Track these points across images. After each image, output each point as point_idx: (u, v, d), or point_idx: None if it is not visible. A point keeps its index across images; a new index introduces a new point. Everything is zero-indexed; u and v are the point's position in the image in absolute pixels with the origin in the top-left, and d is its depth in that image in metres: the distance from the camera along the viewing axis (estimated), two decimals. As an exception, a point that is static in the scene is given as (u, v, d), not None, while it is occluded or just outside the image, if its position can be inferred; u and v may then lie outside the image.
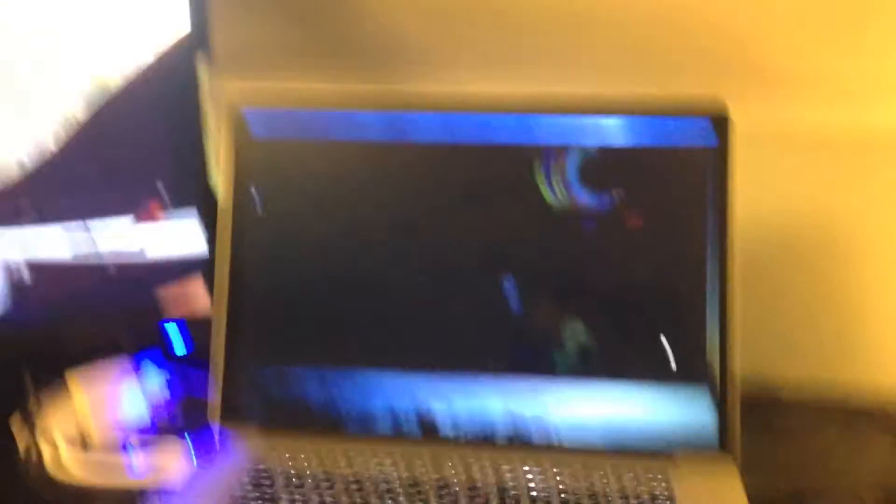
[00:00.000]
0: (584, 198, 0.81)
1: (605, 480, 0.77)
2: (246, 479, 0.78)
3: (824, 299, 1.02)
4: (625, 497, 0.76)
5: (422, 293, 0.83)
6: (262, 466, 0.80)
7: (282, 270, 0.84)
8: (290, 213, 0.84)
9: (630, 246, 0.81)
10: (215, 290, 0.83)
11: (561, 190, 0.81)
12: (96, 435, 0.89)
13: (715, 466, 0.78)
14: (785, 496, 0.79)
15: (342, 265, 0.84)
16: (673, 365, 0.80)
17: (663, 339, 0.80)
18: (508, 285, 0.82)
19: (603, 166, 0.81)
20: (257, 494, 0.77)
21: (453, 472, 0.79)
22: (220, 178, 0.84)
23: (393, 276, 0.83)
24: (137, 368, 0.94)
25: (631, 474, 0.78)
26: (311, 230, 0.84)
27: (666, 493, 0.76)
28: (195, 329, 1.00)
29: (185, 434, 0.87)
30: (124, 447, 0.87)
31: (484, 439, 0.82)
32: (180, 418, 0.92)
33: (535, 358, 0.82)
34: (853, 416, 0.95)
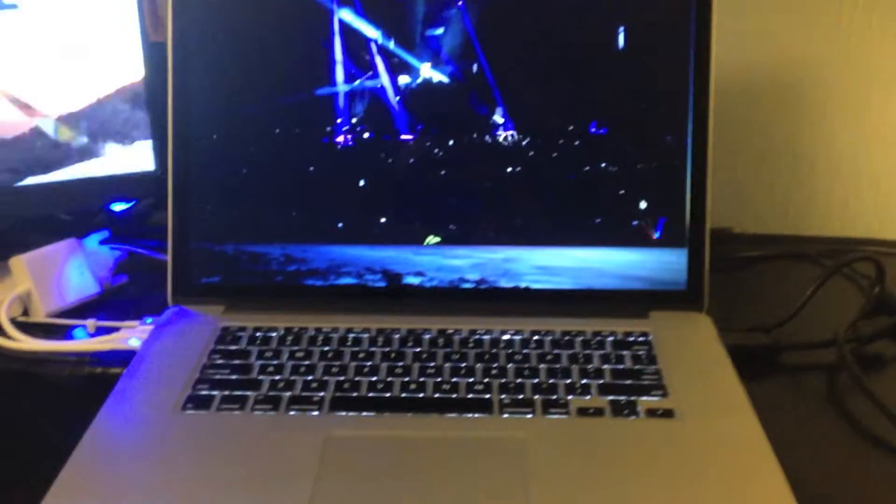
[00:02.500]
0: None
1: (580, 328, 0.77)
2: (210, 338, 0.75)
3: (779, 152, 1.03)
4: (600, 338, 0.75)
5: (381, 160, 0.81)
6: (225, 325, 0.77)
7: (233, 145, 0.81)
8: (234, 74, 0.81)
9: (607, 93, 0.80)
10: (169, 167, 0.79)
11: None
12: (41, 307, 0.85)
13: (688, 319, 0.78)
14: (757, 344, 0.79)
15: (295, 134, 0.81)
16: (645, 222, 0.80)
17: (640, 199, 0.80)
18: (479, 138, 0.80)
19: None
20: (223, 349, 0.74)
21: (422, 322, 0.78)
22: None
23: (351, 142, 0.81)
24: (85, 248, 0.90)
25: (607, 323, 0.77)
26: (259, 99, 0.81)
27: (642, 339, 0.75)
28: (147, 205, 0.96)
29: (140, 311, 0.84)
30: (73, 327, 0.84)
31: (453, 290, 0.81)
32: (133, 295, 0.90)
33: (505, 224, 0.81)
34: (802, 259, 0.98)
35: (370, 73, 0.80)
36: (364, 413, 0.67)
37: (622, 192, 0.80)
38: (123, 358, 0.75)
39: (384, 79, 0.80)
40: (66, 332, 0.83)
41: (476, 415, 0.66)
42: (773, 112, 1.03)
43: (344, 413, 0.67)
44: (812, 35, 1.01)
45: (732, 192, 0.99)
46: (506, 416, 0.66)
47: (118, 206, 0.95)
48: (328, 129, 0.80)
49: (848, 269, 0.90)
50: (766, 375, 0.77)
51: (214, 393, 0.68)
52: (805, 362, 0.79)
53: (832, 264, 0.85)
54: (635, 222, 0.80)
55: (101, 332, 0.82)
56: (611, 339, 0.76)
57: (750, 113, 1.02)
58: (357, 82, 0.80)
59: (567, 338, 0.76)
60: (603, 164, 0.80)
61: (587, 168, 0.80)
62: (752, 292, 0.93)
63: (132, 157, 0.90)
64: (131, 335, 0.80)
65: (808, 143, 1.04)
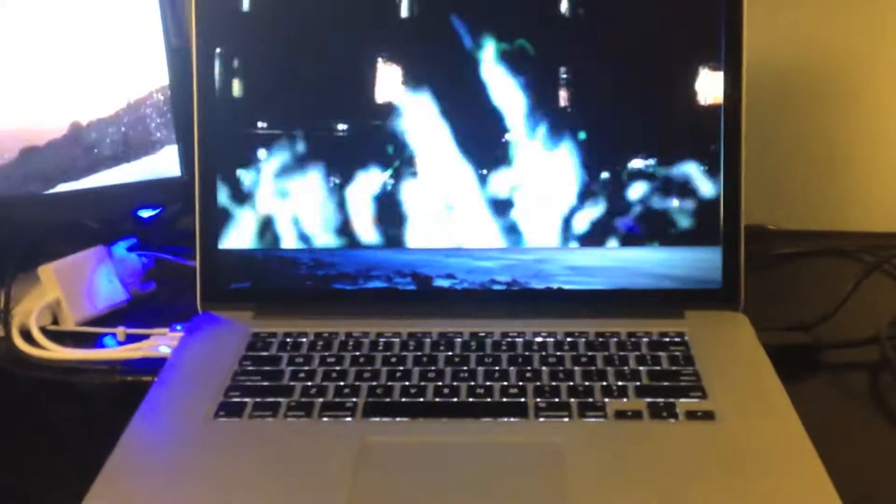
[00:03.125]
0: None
1: (614, 329, 0.75)
2: (241, 345, 0.75)
3: (815, 146, 1.02)
4: (635, 339, 0.74)
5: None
6: (255, 331, 0.77)
7: (259, 148, 0.80)
8: (259, 77, 0.80)
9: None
10: (196, 171, 0.78)
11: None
12: (71, 316, 0.85)
13: (725, 318, 0.77)
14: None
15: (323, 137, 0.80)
16: (681, 223, 0.78)
17: (672, 196, 0.78)
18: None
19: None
20: (253, 355, 0.74)
21: (453, 325, 0.76)
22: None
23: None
24: (113, 255, 0.90)
25: (642, 324, 0.76)
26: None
27: (678, 340, 0.74)
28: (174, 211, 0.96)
29: (170, 318, 0.83)
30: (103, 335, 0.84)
31: (484, 292, 0.79)
32: (162, 302, 0.89)
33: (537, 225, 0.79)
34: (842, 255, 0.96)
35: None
36: (398, 418, 0.66)
37: (655, 190, 0.78)
38: (154, 366, 0.74)
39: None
40: (95, 341, 0.83)
41: (511, 419, 0.65)
42: (808, 106, 1.01)
43: (378, 419, 0.66)
44: (847, 27, 0.99)
45: (767, 189, 0.96)
46: (541, 419, 0.65)
47: (146, 213, 0.95)
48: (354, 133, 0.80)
49: (888, 264, 0.89)
50: (806, 375, 0.75)
51: (246, 400, 0.68)
52: (846, 361, 0.77)
53: (872, 260, 0.83)
54: (668, 221, 0.79)
55: (130, 339, 0.82)
56: (646, 339, 0.74)
57: (784, 107, 1.00)
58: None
59: (601, 339, 0.74)
60: (635, 162, 0.79)
61: (619, 167, 0.79)
62: (790, 290, 0.91)
63: (159, 163, 0.90)
64: (161, 343, 0.80)
65: (843, 137, 1.02)
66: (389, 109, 0.79)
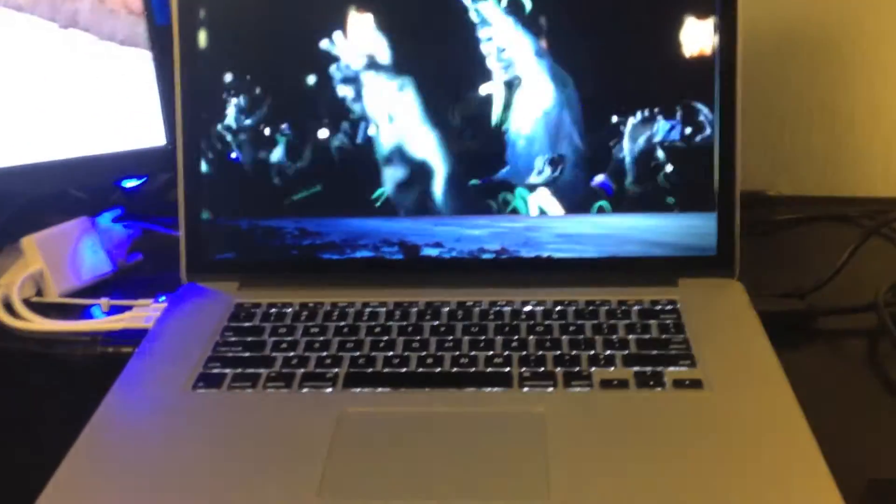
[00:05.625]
0: None
1: (605, 297, 0.74)
2: (223, 316, 0.74)
3: (815, 110, 0.99)
4: (626, 308, 0.72)
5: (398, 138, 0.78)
6: (239, 301, 0.75)
7: (244, 116, 0.79)
8: (244, 42, 0.78)
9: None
10: (178, 140, 0.77)
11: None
12: (54, 287, 0.84)
13: (719, 286, 0.75)
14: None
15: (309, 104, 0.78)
16: (674, 188, 0.76)
17: (666, 161, 0.76)
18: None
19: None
20: (236, 325, 0.72)
21: (441, 294, 0.75)
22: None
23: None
24: (97, 225, 0.89)
25: (633, 292, 0.74)
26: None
27: (670, 308, 0.72)
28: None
29: (154, 289, 0.82)
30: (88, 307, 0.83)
31: (472, 261, 0.78)
32: (147, 273, 0.88)
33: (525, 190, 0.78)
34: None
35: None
36: (379, 389, 0.64)
37: (647, 154, 0.76)
38: (136, 337, 0.73)
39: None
40: (79, 312, 0.82)
41: (495, 389, 0.64)
42: (808, 68, 0.98)
43: (359, 389, 0.64)
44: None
45: (766, 154, 0.95)
46: (525, 389, 0.64)
47: (129, 183, 0.93)
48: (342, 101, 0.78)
49: (887, 229, 0.86)
50: (801, 342, 0.73)
51: (226, 371, 0.67)
52: (842, 328, 0.75)
53: (870, 225, 0.81)
54: (662, 186, 0.77)
55: (114, 311, 0.81)
56: (637, 308, 0.72)
57: (783, 69, 0.97)
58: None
59: (591, 308, 0.73)
60: (626, 125, 0.76)
61: (609, 129, 0.77)
62: (789, 257, 0.89)
63: (143, 132, 0.88)
64: (144, 314, 0.79)
65: (845, 100, 1.00)
66: (374, 72, 0.77)
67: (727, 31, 0.74)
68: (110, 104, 0.86)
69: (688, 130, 0.76)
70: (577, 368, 0.65)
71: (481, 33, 0.76)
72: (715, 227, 0.76)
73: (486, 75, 0.76)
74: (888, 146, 0.99)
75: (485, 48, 0.76)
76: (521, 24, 0.76)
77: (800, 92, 0.99)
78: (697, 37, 0.75)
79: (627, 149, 0.76)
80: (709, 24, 0.74)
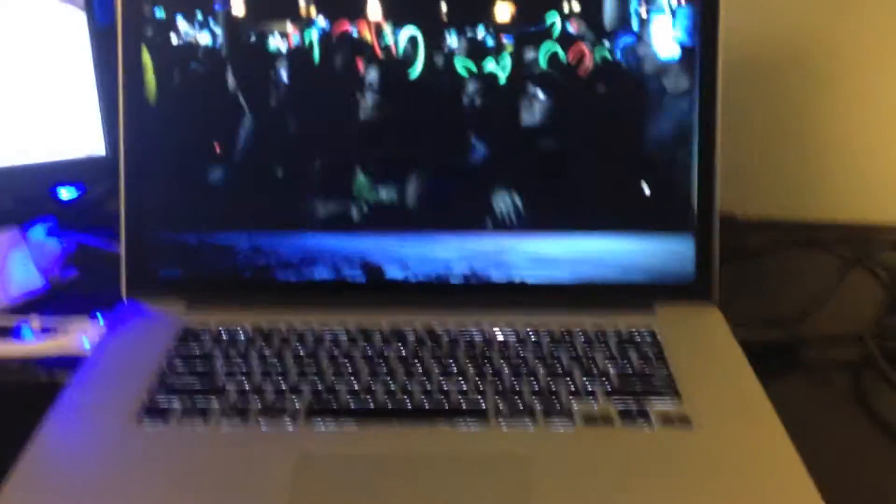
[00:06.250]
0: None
1: (580, 324, 0.70)
2: (170, 339, 0.68)
3: (787, 130, 0.97)
4: (603, 335, 0.68)
5: (360, 142, 0.73)
6: (186, 325, 0.69)
7: (192, 123, 0.73)
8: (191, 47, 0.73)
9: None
10: (120, 146, 0.71)
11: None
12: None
13: (698, 313, 0.72)
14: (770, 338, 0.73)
15: (263, 116, 0.73)
16: (651, 209, 0.73)
17: (642, 183, 0.72)
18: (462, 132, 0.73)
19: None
20: (184, 351, 0.66)
21: (406, 319, 0.70)
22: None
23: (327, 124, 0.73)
24: (28, 238, 0.82)
25: (609, 319, 0.70)
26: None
27: (649, 336, 0.69)
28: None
29: (92, 308, 0.75)
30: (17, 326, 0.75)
31: (439, 284, 0.73)
32: (84, 291, 0.81)
33: (497, 210, 0.73)
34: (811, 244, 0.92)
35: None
36: (344, 424, 0.59)
37: (624, 173, 0.73)
38: (71, 362, 0.66)
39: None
40: (7, 332, 0.75)
41: (470, 424, 0.59)
42: (780, 87, 0.96)
43: (321, 424, 0.59)
44: (823, 10, 0.93)
45: (736, 175, 0.91)
46: (503, 425, 0.59)
47: (65, 193, 0.86)
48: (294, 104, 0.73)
49: (869, 261, 0.84)
50: (784, 374, 0.70)
51: (175, 402, 0.61)
52: (827, 359, 0.72)
53: (851, 256, 0.79)
54: (638, 207, 0.73)
55: (46, 330, 0.74)
56: (614, 335, 0.69)
57: (755, 88, 0.94)
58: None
59: (566, 335, 0.69)
60: (602, 144, 0.73)
61: (585, 149, 0.73)
62: (762, 284, 0.86)
63: (79, 140, 0.82)
64: (81, 336, 0.72)
65: (817, 121, 0.97)
66: (334, 85, 0.72)
67: (707, 53, 0.71)
68: (45, 109, 0.80)
69: (666, 151, 0.72)
70: (556, 402, 0.61)
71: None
72: (693, 252, 0.73)
73: (456, 97, 0.72)
74: (860, 171, 0.97)
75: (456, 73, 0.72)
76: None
77: (772, 113, 0.96)
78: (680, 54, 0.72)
79: (604, 169, 0.73)
80: (689, 45, 0.72)
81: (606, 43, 0.72)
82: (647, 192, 0.73)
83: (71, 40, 0.80)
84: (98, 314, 0.74)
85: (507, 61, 0.72)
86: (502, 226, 0.73)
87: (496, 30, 0.72)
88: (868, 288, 0.82)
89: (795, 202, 0.98)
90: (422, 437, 0.58)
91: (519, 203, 0.73)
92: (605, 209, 0.73)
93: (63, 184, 0.85)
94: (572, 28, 0.72)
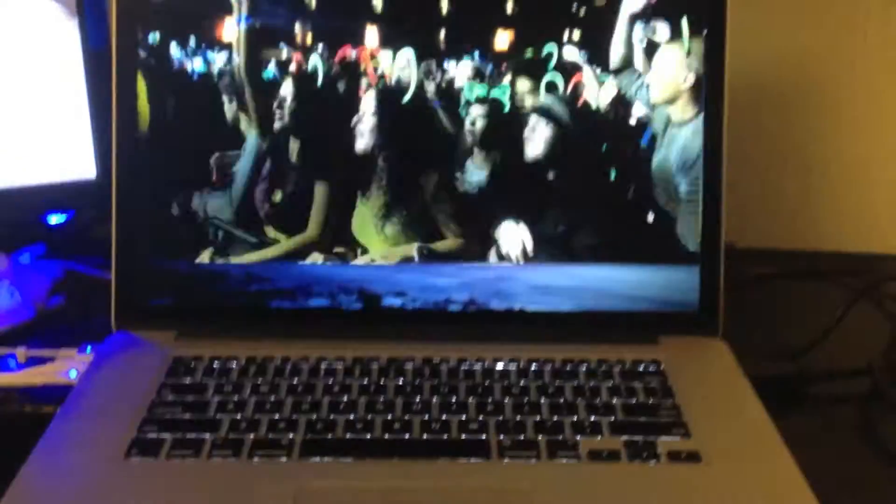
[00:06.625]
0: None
1: (583, 356, 0.68)
2: (160, 370, 0.65)
3: (787, 158, 0.95)
4: (607, 367, 0.67)
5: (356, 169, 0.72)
6: (177, 356, 0.67)
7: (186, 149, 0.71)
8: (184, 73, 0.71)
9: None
10: (113, 173, 0.70)
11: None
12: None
13: (703, 345, 0.70)
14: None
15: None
16: (655, 238, 0.71)
17: (646, 212, 0.71)
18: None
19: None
20: (175, 382, 0.64)
21: (404, 349, 0.68)
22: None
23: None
24: (16, 265, 0.80)
25: (613, 350, 0.68)
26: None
27: (654, 368, 0.67)
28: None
29: (80, 337, 0.73)
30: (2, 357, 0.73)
31: (438, 313, 0.71)
32: (72, 319, 0.79)
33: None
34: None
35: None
36: (341, 458, 0.57)
37: (627, 202, 0.71)
38: (58, 394, 0.64)
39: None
40: (-8, 363, 0.73)
41: (472, 459, 0.57)
42: (781, 114, 0.95)
43: (318, 459, 0.57)
44: (824, 29, 0.92)
45: (735, 203, 0.91)
46: (506, 461, 0.57)
47: (55, 218, 0.84)
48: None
49: (876, 292, 0.82)
50: (791, 408, 0.68)
51: (165, 436, 0.58)
52: (833, 393, 0.70)
53: (858, 286, 0.77)
54: (641, 236, 0.71)
55: (32, 362, 0.71)
56: (618, 368, 0.67)
57: (754, 115, 0.93)
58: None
59: (569, 367, 0.67)
60: (605, 173, 0.71)
61: (588, 176, 0.71)
62: (765, 315, 0.84)
63: (70, 164, 0.80)
64: (68, 366, 0.70)
65: (819, 149, 0.96)
66: (333, 111, 0.71)
67: (713, 83, 0.70)
68: (34, 130, 0.78)
69: (671, 179, 0.71)
70: (560, 436, 0.59)
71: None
72: (698, 282, 0.71)
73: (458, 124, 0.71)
74: (862, 200, 0.96)
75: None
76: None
77: (772, 140, 0.95)
78: (687, 86, 0.71)
79: (607, 197, 0.71)
80: (697, 73, 0.71)
81: (609, 72, 0.71)
82: (651, 220, 0.71)
83: (63, 61, 0.78)
84: (87, 345, 0.71)
85: (507, 90, 0.71)
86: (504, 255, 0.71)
87: (497, 58, 0.71)
88: (873, 318, 0.80)
89: (797, 231, 0.96)
90: (421, 472, 0.56)
91: (523, 233, 0.71)
92: (607, 238, 0.72)
93: (53, 210, 0.83)
94: (573, 57, 0.71)
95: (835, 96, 0.94)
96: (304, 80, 0.71)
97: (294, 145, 0.72)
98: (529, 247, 0.71)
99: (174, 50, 0.70)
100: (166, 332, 0.70)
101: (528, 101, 0.71)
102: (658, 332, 0.71)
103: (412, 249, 0.72)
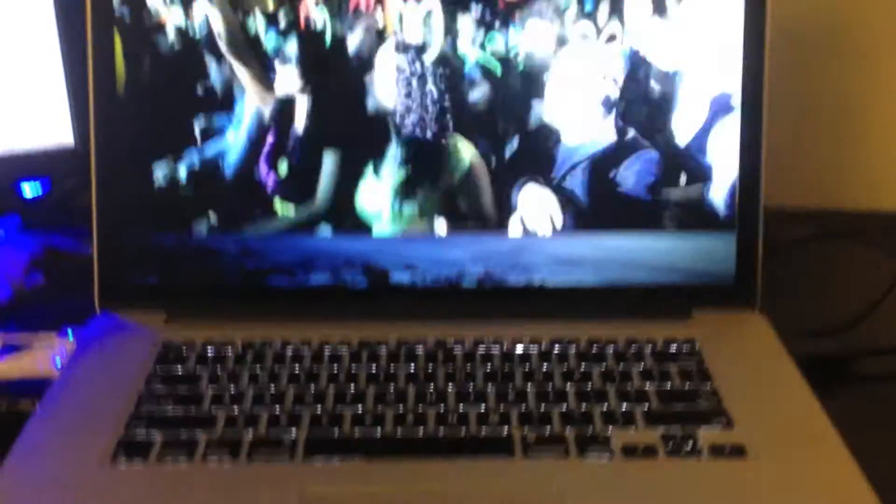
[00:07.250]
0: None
1: (610, 335, 0.63)
2: (149, 358, 0.60)
3: (821, 109, 0.89)
4: (637, 348, 0.61)
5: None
6: (167, 341, 0.62)
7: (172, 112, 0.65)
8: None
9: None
10: (91, 138, 0.63)
11: None
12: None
13: (739, 320, 0.65)
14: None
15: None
16: (688, 204, 0.65)
17: (678, 175, 0.65)
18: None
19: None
20: (165, 372, 0.59)
21: (415, 330, 0.63)
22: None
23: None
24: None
25: (643, 329, 0.63)
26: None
27: (689, 348, 0.62)
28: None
29: (60, 320, 0.68)
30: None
31: (451, 289, 0.65)
32: (51, 300, 0.73)
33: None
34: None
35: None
36: (348, 458, 0.52)
37: (657, 164, 0.65)
38: (36, 387, 0.59)
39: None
40: (-35, 351, 0.67)
41: (493, 458, 0.52)
42: (814, 60, 0.88)
43: (322, 459, 0.52)
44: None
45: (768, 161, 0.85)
46: (532, 458, 0.52)
47: (30, 189, 0.78)
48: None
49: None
50: (838, 389, 0.63)
51: (154, 435, 0.53)
52: (884, 371, 0.65)
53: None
54: (673, 201, 0.65)
55: (7, 349, 0.66)
56: (650, 348, 0.61)
57: (784, 61, 0.87)
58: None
59: (596, 349, 0.61)
60: (633, 131, 0.65)
61: (614, 136, 0.65)
62: (802, 283, 0.78)
63: (45, 129, 0.73)
64: (48, 355, 0.64)
65: (856, 99, 0.89)
66: (336, 69, 0.65)
67: (755, 29, 0.64)
68: (3, 92, 0.72)
69: (705, 140, 0.65)
70: (591, 429, 0.54)
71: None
72: (734, 251, 0.65)
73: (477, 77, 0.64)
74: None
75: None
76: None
77: (805, 95, 0.88)
78: (723, 35, 0.64)
79: (635, 159, 0.65)
80: (737, 24, 0.64)
81: (639, 28, 0.64)
82: (683, 184, 0.65)
83: (34, 16, 0.72)
84: (67, 328, 0.66)
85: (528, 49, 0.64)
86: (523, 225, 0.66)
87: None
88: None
89: (832, 190, 0.90)
90: (438, 474, 0.51)
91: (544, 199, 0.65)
92: (635, 204, 0.65)
93: (27, 178, 0.77)
94: (603, 11, 0.64)
95: (873, 46, 0.87)
96: (310, 34, 0.64)
97: (300, 107, 0.65)
98: (557, 215, 0.65)
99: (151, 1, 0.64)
100: (154, 313, 0.65)
101: (552, 62, 0.65)
102: (691, 307, 0.65)
103: (429, 220, 0.66)
